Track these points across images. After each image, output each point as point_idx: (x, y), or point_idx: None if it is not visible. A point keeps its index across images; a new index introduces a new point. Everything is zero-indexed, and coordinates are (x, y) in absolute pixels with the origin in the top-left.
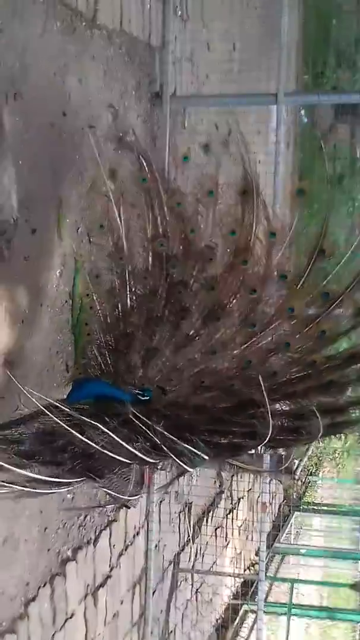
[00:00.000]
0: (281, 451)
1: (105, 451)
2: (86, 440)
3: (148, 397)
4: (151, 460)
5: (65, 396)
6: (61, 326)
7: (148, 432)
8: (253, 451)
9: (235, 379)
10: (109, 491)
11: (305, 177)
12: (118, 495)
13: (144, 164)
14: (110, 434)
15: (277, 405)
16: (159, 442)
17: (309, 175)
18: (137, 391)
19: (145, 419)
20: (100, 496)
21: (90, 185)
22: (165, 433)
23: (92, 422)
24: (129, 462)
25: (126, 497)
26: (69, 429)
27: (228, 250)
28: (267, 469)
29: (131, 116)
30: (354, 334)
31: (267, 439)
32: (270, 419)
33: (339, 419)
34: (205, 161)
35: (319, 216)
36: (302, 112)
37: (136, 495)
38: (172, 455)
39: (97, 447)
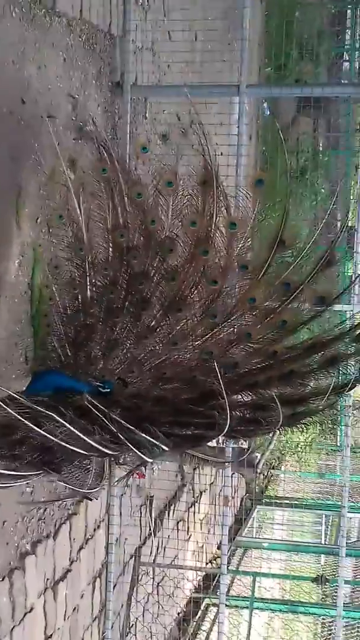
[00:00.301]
0: (243, 444)
1: (63, 443)
2: (43, 433)
3: (109, 389)
4: (110, 452)
5: (24, 388)
6: (20, 317)
7: (105, 420)
8: (214, 443)
9: (196, 370)
10: (68, 484)
11: (266, 169)
12: (77, 488)
13: (104, 154)
14: (67, 425)
15: (238, 396)
16: (115, 431)
17: (271, 167)
18: (97, 383)
19: (102, 407)
20: (60, 489)
21: (50, 175)
22: (123, 422)
23: (49, 413)
24: (88, 454)
25: (85, 490)
26: (25, 421)
27: (189, 241)
28: (226, 459)
29: (91, 105)
30: (315, 324)
31: (226, 429)
32: (229, 408)
33: (300, 409)
34: (165, 152)
35: (280, 207)
36: (265, 104)
37: (96, 487)
38: (130, 445)
39: (54, 439)
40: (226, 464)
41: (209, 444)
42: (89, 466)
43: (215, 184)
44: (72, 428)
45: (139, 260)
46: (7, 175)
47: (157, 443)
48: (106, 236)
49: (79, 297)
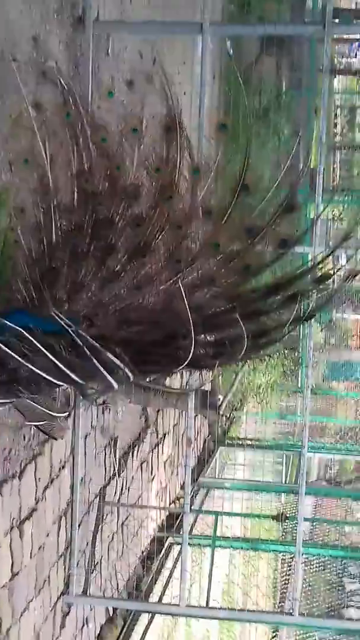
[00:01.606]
0: (206, 387)
1: (32, 367)
2: (12, 353)
3: (74, 328)
4: (78, 379)
5: None
6: None
7: (73, 336)
8: (178, 381)
9: (161, 314)
10: (38, 406)
11: (230, 110)
12: (46, 411)
13: (68, 98)
14: (35, 342)
15: (202, 336)
16: (82, 346)
17: (234, 108)
18: (63, 320)
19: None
20: (24, 430)
21: (14, 118)
22: (89, 338)
23: (19, 328)
24: (56, 381)
25: (53, 414)
26: None
27: (153, 187)
28: (185, 390)
29: (53, 42)
30: (277, 267)
31: (189, 359)
32: (192, 333)
33: (260, 341)
34: (130, 95)
35: (242, 151)
36: (228, 43)
37: (63, 413)
38: (97, 363)
39: (23, 361)
40: (188, 404)
41: (173, 385)
42: (55, 395)
43: (179, 131)
44: (38, 345)
45: (104, 206)
46: None
47: (123, 366)
48: (71, 181)
49: (45, 241)
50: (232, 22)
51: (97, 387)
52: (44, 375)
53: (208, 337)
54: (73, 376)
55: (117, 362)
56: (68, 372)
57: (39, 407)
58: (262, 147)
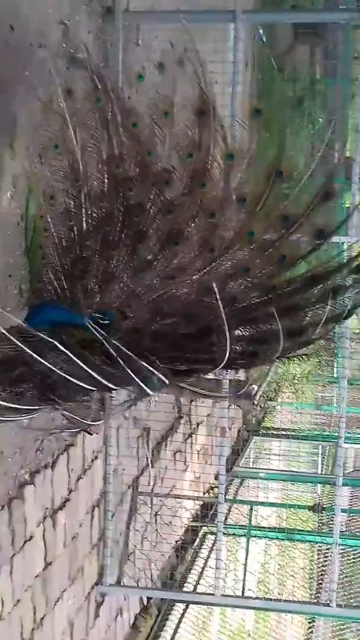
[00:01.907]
0: (240, 376)
1: (65, 375)
2: (46, 363)
3: (108, 321)
4: (111, 386)
5: (20, 322)
6: (14, 249)
7: (106, 344)
8: (212, 375)
9: (195, 305)
10: (71, 415)
11: (263, 98)
12: (79, 419)
13: (98, 83)
14: (68, 353)
15: (237, 332)
16: (115, 356)
17: (267, 96)
18: (96, 314)
19: (103, 333)
20: (57, 421)
21: (46, 104)
22: (123, 349)
23: (50, 340)
24: (89, 388)
25: (88, 422)
26: (28, 350)
27: (185, 173)
28: (225, 395)
29: (82, 32)
30: (313, 258)
31: (225, 361)
32: (228, 338)
33: (298, 340)
34: (161, 80)
35: (277, 138)
36: (261, 31)
37: (97, 421)
38: (131, 373)
39: (56, 370)
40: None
41: (207, 376)
42: (89, 401)
43: (212, 114)
44: (73, 357)
45: (135, 192)
46: None
47: (157, 373)
48: (102, 167)
49: (75, 229)
50: (265, 9)
51: (132, 393)
52: (77, 382)
53: (243, 333)
54: (107, 384)
55: (152, 369)
56: (102, 380)
57: (74, 416)
58: (297, 135)
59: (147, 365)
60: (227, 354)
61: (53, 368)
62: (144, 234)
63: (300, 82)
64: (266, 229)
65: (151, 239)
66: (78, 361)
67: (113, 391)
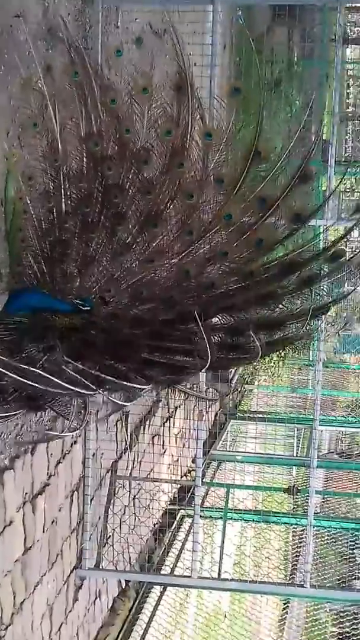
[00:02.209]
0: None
1: (39, 386)
2: (21, 379)
3: (89, 307)
4: (86, 392)
5: (0, 307)
6: None
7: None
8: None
9: (173, 290)
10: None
11: (241, 80)
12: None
13: (76, 57)
14: (41, 373)
15: (215, 319)
16: (94, 375)
17: (246, 78)
18: (77, 301)
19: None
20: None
21: (24, 82)
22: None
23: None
24: (65, 393)
25: (71, 426)
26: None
27: (164, 152)
28: (210, 397)
29: (62, 13)
30: (290, 242)
31: (208, 365)
32: (209, 348)
33: (277, 335)
34: (139, 57)
35: (254, 118)
36: (240, 13)
37: (80, 425)
38: (115, 383)
39: (32, 384)
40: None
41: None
42: (69, 402)
43: (190, 90)
44: (44, 373)
45: (114, 171)
46: None
47: (136, 386)
48: (80, 145)
49: (54, 211)
50: None
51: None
52: (59, 390)
53: (221, 321)
54: (83, 391)
55: (131, 385)
56: (77, 389)
57: (59, 413)
58: (274, 117)
59: (126, 383)
60: (209, 358)
61: (28, 382)
62: (123, 215)
63: (278, 64)
64: (243, 211)
65: (130, 221)
66: (49, 377)
67: (93, 392)
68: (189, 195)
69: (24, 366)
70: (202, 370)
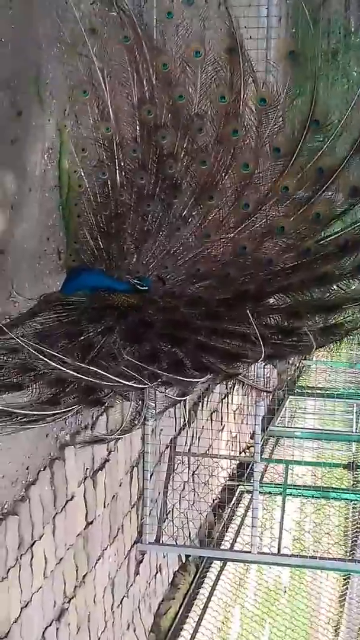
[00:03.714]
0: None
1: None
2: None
3: (146, 287)
4: (143, 387)
5: (59, 285)
6: (51, 212)
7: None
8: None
9: (230, 267)
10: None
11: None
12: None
13: (126, 20)
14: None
15: (272, 301)
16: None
17: (302, 47)
18: (134, 281)
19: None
20: None
21: (70, 47)
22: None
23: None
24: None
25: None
26: (62, 368)
27: (218, 119)
28: (266, 389)
29: None
30: (348, 217)
31: (263, 355)
32: (263, 312)
33: (333, 321)
34: (190, 19)
35: (310, 85)
36: None
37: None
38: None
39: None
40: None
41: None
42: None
43: (241, 51)
44: (101, 371)
45: (168, 140)
46: (21, 54)
47: (191, 380)
48: (133, 113)
49: (109, 183)
50: None
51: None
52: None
53: (278, 302)
54: (138, 386)
55: (188, 380)
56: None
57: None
58: (332, 89)
59: (182, 378)
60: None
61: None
62: (179, 186)
63: (335, 35)
64: (301, 183)
65: (186, 193)
66: (104, 373)
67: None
68: (245, 165)
69: (85, 366)
70: (259, 361)
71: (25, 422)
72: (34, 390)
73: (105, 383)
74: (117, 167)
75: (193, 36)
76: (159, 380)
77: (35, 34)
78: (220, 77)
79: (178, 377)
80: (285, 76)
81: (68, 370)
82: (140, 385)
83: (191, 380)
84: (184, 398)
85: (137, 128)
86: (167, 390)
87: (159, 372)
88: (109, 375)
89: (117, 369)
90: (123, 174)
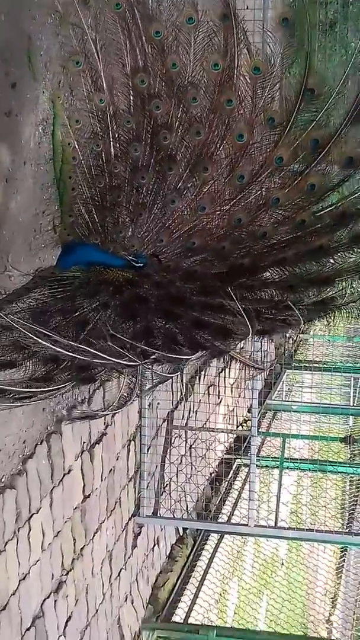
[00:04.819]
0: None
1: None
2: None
3: (142, 264)
4: (134, 365)
5: (55, 259)
6: (46, 185)
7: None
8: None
9: (225, 240)
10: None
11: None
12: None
13: None
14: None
15: (267, 274)
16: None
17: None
18: (130, 257)
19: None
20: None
21: (62, 17)
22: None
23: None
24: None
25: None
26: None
27: (212, 88)
28: (260, 366)
29: None
30: (345, 188)
31: (252, 330)
32: (245, 315)
33: (326, 293)
34: None
35: (304, 53)
36: None
37: (129, 398)
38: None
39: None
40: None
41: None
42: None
43: (234, 18)
44: (93, 350)
45: (162, 110)
46: (15, 25)
47: (183, 357)
48: (127, 83)
49: (103, 155)
50: None
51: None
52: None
53: (273, 278)
54: (131, 364)
55: (179, 357)
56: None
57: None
58: (329, 60)
59: (173, 355)
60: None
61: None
62: (173, 157)
63: (332, 5)
64: (295, 154)
65: (180, 164)
66: (96, 351)
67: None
68: (239, 136)
69: (78, 345)
70: (249, 337)
71: (17, 399)
72: (28, 367)
73: (97, 361)
74: (111, 139)
75: (186, 2)
76: (151, 357)
77: (29, 4)
78: (213, 44)
79: (170, 355)
80: (280, 45)
81: (59, 349)
82: (131, 363)
83: (183, 357)
84: (174, 375)
85: (131, 98)
86: (159, 368)
87: (149, 349)
88: (100, 354)
89: (109, 347)
90: (117, 145)
